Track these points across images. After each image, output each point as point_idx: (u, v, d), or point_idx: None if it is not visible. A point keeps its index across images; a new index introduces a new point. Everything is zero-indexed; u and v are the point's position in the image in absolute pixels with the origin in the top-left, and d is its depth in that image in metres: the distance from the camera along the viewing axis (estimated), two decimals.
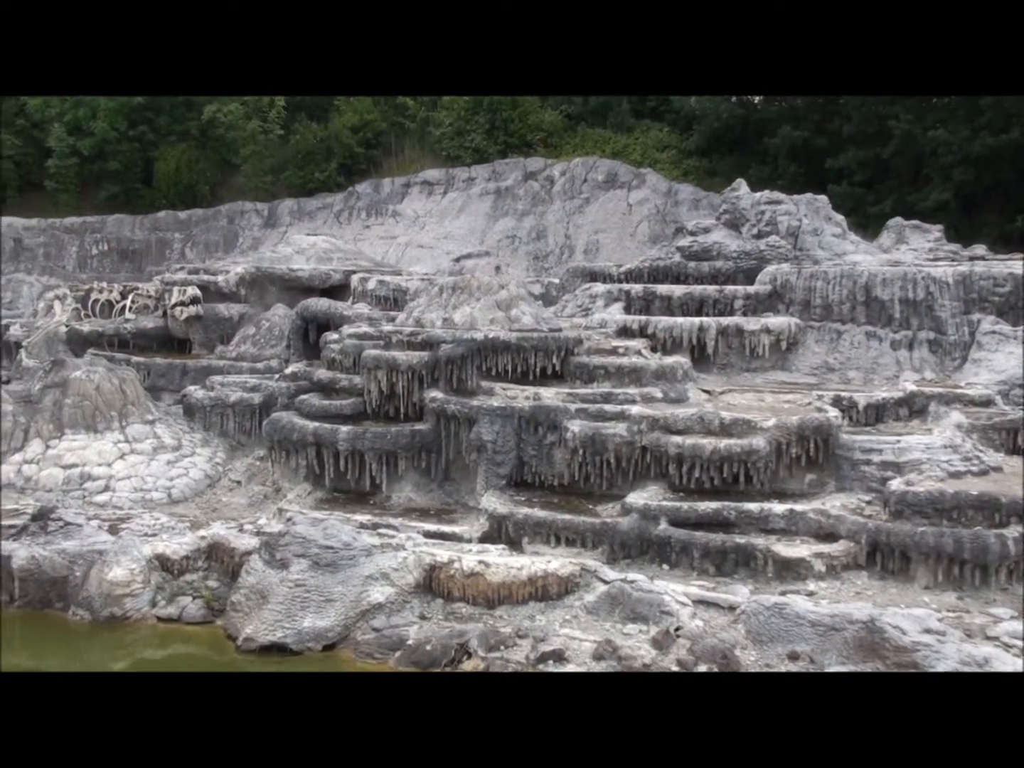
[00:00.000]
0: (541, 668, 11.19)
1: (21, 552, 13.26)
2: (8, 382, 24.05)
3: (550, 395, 15.71)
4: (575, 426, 14.83)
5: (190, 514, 15.90)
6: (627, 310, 19.64)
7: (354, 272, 24.82)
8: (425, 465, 16.11)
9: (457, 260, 29.79)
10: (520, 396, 15.82)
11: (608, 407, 15.20)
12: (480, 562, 12.75)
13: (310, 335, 22.29)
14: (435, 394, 16.03)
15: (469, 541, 14.07)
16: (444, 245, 30.40)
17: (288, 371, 19.99)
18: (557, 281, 23.27)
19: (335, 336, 19.41)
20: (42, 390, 17.94)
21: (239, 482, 17.35)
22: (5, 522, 14.42)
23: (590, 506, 14.64)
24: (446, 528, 14.41)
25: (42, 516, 13.85)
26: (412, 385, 16.58)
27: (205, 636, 12.66)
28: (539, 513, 14.04)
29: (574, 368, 16.56)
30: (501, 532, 14.24)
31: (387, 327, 17.54)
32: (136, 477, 16.73)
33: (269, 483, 17.21)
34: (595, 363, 16.48)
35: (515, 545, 13.91)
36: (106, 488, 16.44)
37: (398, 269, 26.60)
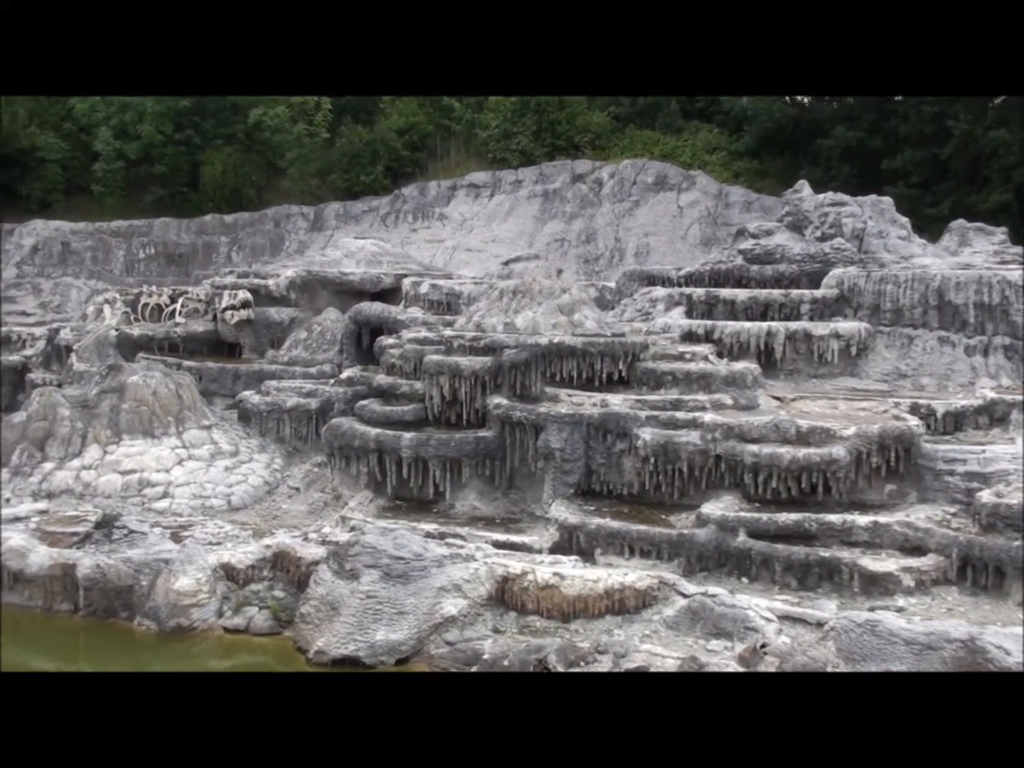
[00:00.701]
0: None
1: (86, 561, 13.02)
2: (60, 386, 23.98)
3: (618, 402, 15.32)
4: (646, 434, 14.44)
5: (250, 521, 15.63)
6: (689, 314, 19.20)
7: (405, 276, 24.55)
8: (489, 473, 15.77)
9: (506, 264, 29.42)
10: (587, 403, 15.44)
11: (679, 414, 14.81)
12: (555, 574, 12.40)
13: (363, 339, 22.00)
14: (500, 400, 15.68)
15: (539, 552, 13.71)
16: (492, 248, 30.07)
17: (343, 376, 19.72)
18: (612, 285, 22.88)
19: (393, 341, 19.12)
20: (99, 395, 17.75)
21: (298, 489, 17.07)
22: (67, 529, 14.23)
23: (662, 516, 14.25)
24: (515, 538, 14.06)
25: (106, 524, 13.63)
26: (475, 391, 16.25)
27: (274, 648, 12.38)
28: (613, 524, 13.65)
29: (641, 374, 16.17)
30: (572, 543, 13.87)
31: (448, 332, 17.22)
32: (195, 484, 16.49)
33: (328, 490, 16.93)
34: (662, 369, 16.08)
35: (587, 556, 13.53)
36: (165, 495, 16.21)
37: (448, 273, 26.30)
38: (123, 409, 17.49)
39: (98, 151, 32.87)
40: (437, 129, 34.30)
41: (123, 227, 32.14)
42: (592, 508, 14.54)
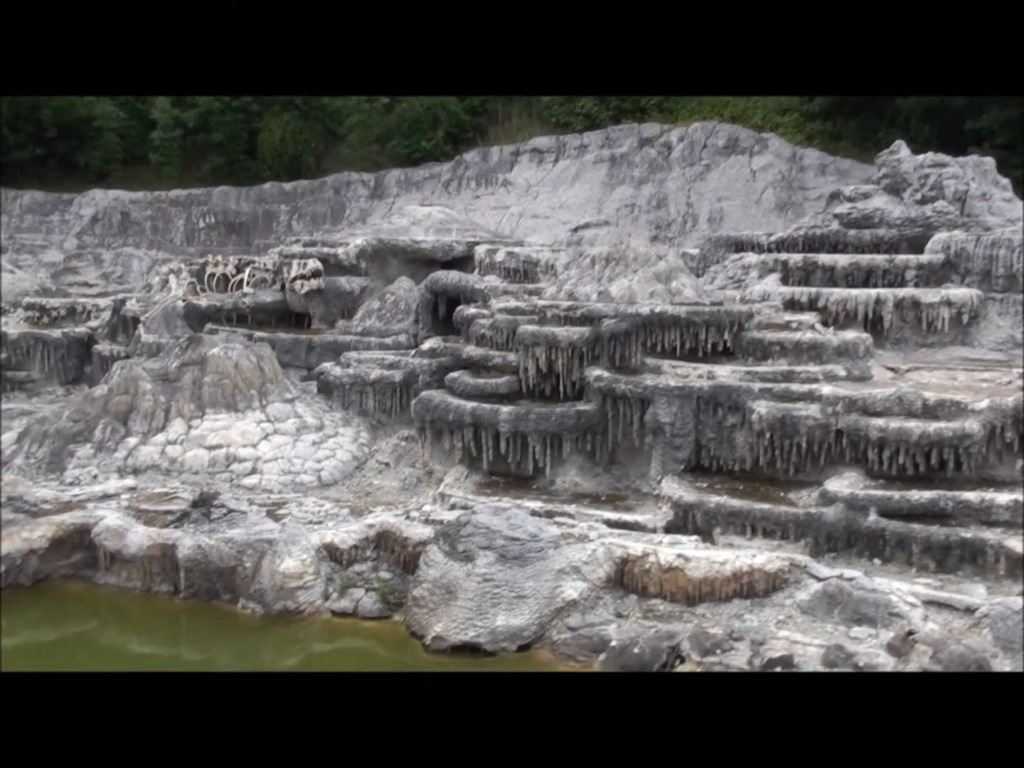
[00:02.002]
0: None
1: (186, 541, 12.53)
2: (127, 358, 23.59)
3: (725, 373, 14.61)
4: (762, 407, 13.73)
5: (343, 498, 15.09)
6: (784, 281, 18.39)
7: (477, 244, 23.87)
8: (590, 448, 15.13)
9: (575, 230, 28.76)
10: (693, 375, 14.74)
11: (794, 387, 14.07)
12: (679, 556, 11.77)
13: (439, 309, 21.41)
14: (601, 373, 15.01)
15: (654, 531, 13.07)
16: (560, 215, 29.33)
17: (424, 347, 19.12)
18: (693, 251, 22.08)
19: (475, 311, 18.49)
20: (180, 368, 17.26)
21: (387, 464, 16.52)
22: (160, 507, 13.76)
23: (779, 493, 13.55)
24: (627, 517, 13.43)
25: (204, 503, 13.12)
26: (572, 363, 15.59)
27: (385, 633, 11.84)
28: (734, 502, 12.98)
29: (746, 344, 15.42)
30: (688, 521, 13.23)
31: (541, 301, 16.53)
32: (283, 459, 15.97)
33: (419, 465, 16.35)
34: (770, 339, 15.33)
35: (705, 536, 12.89)
36: (253, 470, 15.71)
37: (519, 240, 25.59)
38: (205, 382, 16.98)
39: (155, 119, 32.38)
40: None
41: (182, 196, 31.67)
42: (704, 485, 13.87)
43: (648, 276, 16.53)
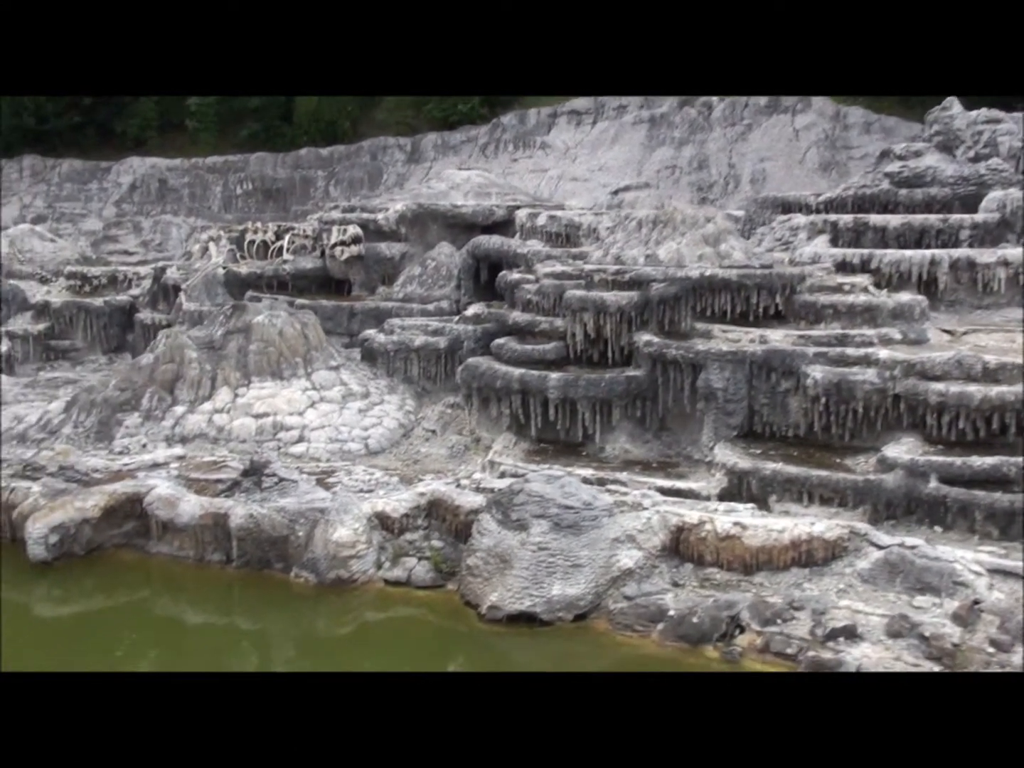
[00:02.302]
0: (830, 646, 10.03)
1: (238, 510, 12.50)
2: (169, 326, 23.60)
3: (778, 338, 14.35)
4: (817, 372, 13.47)
5: (391, 466, 15.01)
6: (834, 243, 18.02)
7: (517, 207, 23.58)
8: (640, 414, 14.94)
9: (615, 193, 28.36)
10: (744, 339, 14.49)
11: (849, 351, 13.80)
12: (735, 524, 11.61)
13: (481, 274, 21.22)
14: (651, 338, 14.79)
15: (707, 499, 12.90)
16: (599, 177, 28.94)
17: (468, 313, 18.97)
18: (738, 213, 21.69)
19: (519, 276, 18.29)
20: (225, 336, 17.20)
21: (434, 431, 16.41)
22: (210, 476, 13.75)
23: (835, 460, 13.32)
24: (680, 484, 13.25)
25: (255, 471, 13.06)
26: (620, 328, 15.38)
27: (439, 602, 11.78)
28: (790, 469, 12.77)
29: (799, 307, 15.13)
30: (742, 489, 13.04)
31: (588, 265, 16.29)
32: (330, 427, 15.90)
33: (466, 432, 16.23)
34: (822, 302, 15.03)
35: (760, 503, 12.69)
36: (300, 438, 15.65)
37: (559, 203, 25.27)
38: (250, 350, 16.91)
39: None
40: None
41: (219, 163, 31.54)
42: (758, 451, 13.66)
43: (696, 239, 16.23)
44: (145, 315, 24.44)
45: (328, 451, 15.41)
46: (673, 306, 15.18)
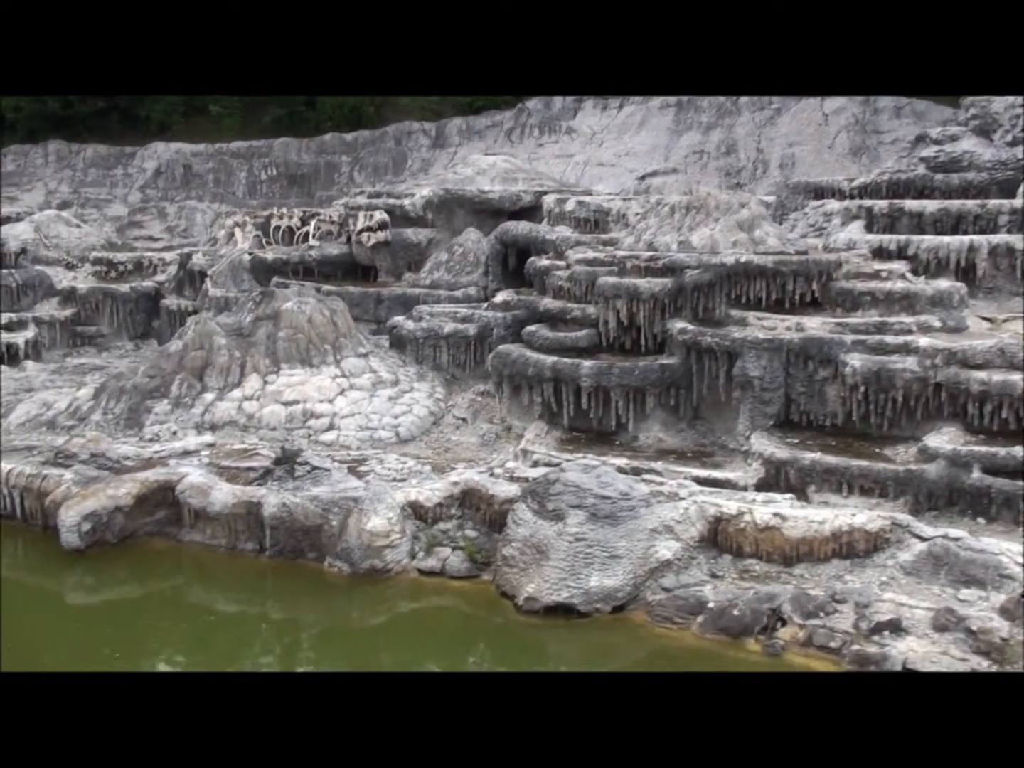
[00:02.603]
0: (875, 640, 9.86)
1: (271, 499, 12.41)
2: (195, 312, 23.54)
3: (815, 325, 14.14)
4: (856, 360, 13.26)
5: (422, 454, 14.90)
6: (868, 228, 17.77)
7: (544, 193, 23.40)
8: (673, 402, 14.77)
9: (642, 178, 28.14)
10: (780, 327, 14.28)
11: (888, 339, 13.58)
12: (775, 515, 11.43)
13: (509, 261, 21.06)
14: (685, 325, 14.61)
15: (744, 489, 12.73)
16: (626, 163, 28.71)
17: (497, 300, 18.82)
18: (769, 199, 21.43)
19: (548, 263, 18.12)
20: (254, 322, 17.10)
21: (464, 419, 16.27)
22: (242, 464, 13.66)
23: (874, 449, 13.13)
24: (716, 474, 13.09)
25: (287, 460, 12.96)
26: (653, 315, 15.20)
27: (474, 592, 11.67)
28: (829, 459, 12.58)
29: (835, 295, 14.90)
30: (780, 479, 12.86)
31: (621, 252, 16.09)
32: (360, 415, 15.80)
33: (497, 420, 16.10)
34: (860, 289, 14.79)
35: (798, 493, 12.51)
36: (331, 426, 15.55)
37: (587, 189, 25.06)
38: (279, 337, 16.81)
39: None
40: None
41: (243, 148, 31.46)
42: (795, 441, 13.48)
43: (730, 224, 16.01)
44: (171, 301, 24.41)
45: (358, 439, 15.30)
46: (707, 293, 14.98)
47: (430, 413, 16.26)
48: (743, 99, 29.08)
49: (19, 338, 22.48)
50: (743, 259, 14.85)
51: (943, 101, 27.97)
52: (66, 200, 30.19)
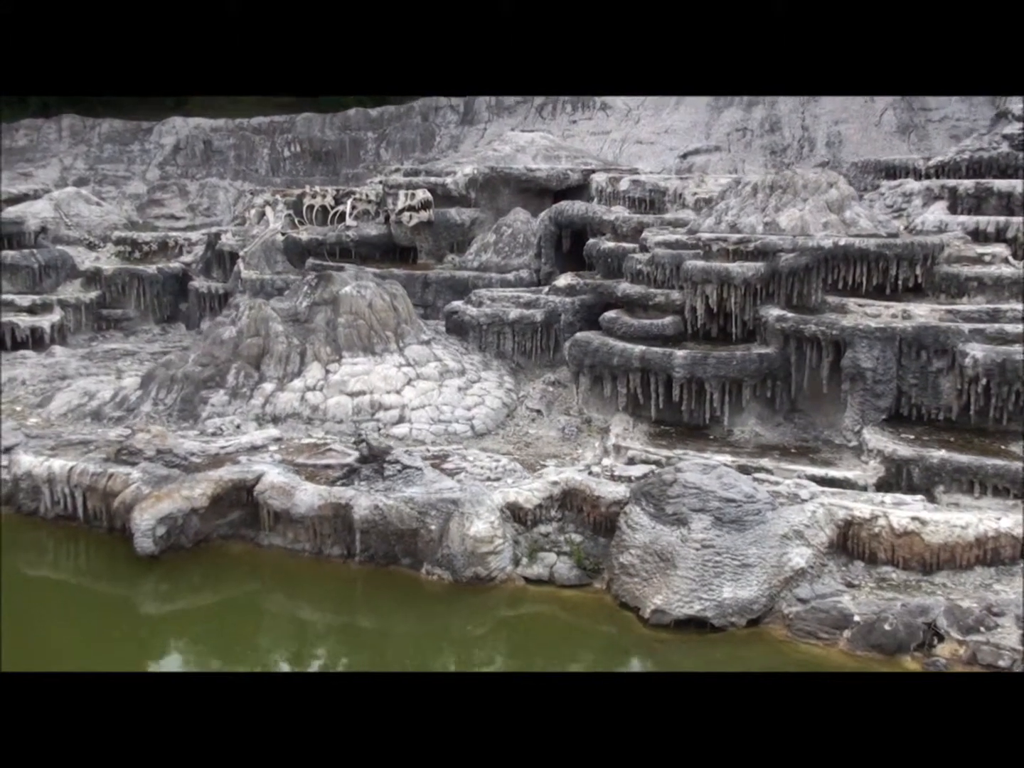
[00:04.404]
0: None
1: (362, 501, 11.49)
2: (228, 294, 22.55)
3: (923, 312, 13.32)
4: (976, 351, 12.44)
5: (501, 449, 14.01)
6: (952, 210, 16.94)
7: (592, 172, 22.49)
8: (769, 394, 13.94)
9: (684, 156, 27.21)
10: (885, 314, 13.46)
11: (1008, 327, 12.78)
12: (914, 519, 10.61)
13: (564, 242, 20.14)
14: (783, 313, 13.77)
15: (864, 488, 11.92)
16: (665, 140, 27.75)
17: (560, 283, 17.90)
18: None
19: (611, 244, 17.22)
20: (310, 308, 16.15)
21: (539, 411, 15.39)
22: (319, 462, 12.76)
23: (999, 446, 12.32)
24: (832, 472, 12.25)
25: (375, 458, 12.04)
26: (744, 301, 14.34)
27: (589, 603, 10.80)
28: (961, 457, 11.76)
29: (939, 280, 14.10)
30: (902, 478, 12.05)
31: (706, 234, 15.20)
32: (431, 406, 14.89)
33: (574, 412, 15.24)
34: (967, 274, 13.98)
35: (925, 494, 11.70)
36: (401, 419, 14.65)
37: (634, 167, 24.14)
38: (339, 323, 15.87)
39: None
40: None
41: (264, 124, 30.34)
42: (911, 436, 12.67)
43: (820, 205, 15.16)
44: (200, 283, 23.43)
45: (432, 432, 14.41)
46: (803, 278, 14.15)
47: (503, 405, 15.36)
48: None
49: (44, 322, 21.48)
50: (843, 242, 14.00)
51: None
52: (82, 177, 29.02)
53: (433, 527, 11.29)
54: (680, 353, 13.80)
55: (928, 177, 18.40)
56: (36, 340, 21.09)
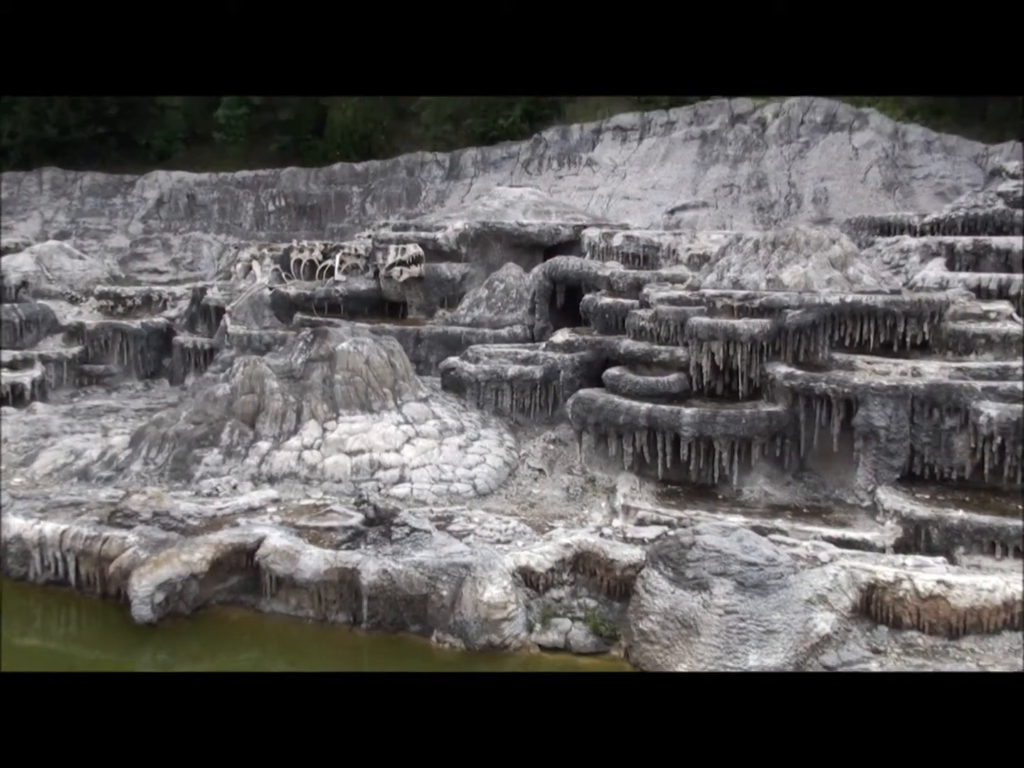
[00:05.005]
0: None
1: (370, 565, 11.10)
2: (212, 350, 22.20)
3: (933, 370, 13.19)
4: (991, 409, 12.30)
5: (506, 510, 13.67)
6: (950, 266, 16.95)
7: (584, 227, 22.40)
8: (779, 453, 13.72)
9: (671, 212, 27.28)
10: (894, 371, 13.32)
11: (1020, 385, 12.64)
12: (939, 582, 10.36)
13: (557, 298, 19.97)
14: (791, 370, 13.60)
15: (882, 550, 11.67)
16: (653, 196, 27.81)
17: (558, 339, 17.69)
18: None
19: (607, 301, 17.05)
20: (306, 364, 15.82)
21: (541, 470, 15.08)
22: (321, 524, 12.36)
23: (1017, 506, 12.13)
24: (849, 533, 11.99)
25: (382, 520, 11.66)
26: (750, 358, 14.17)
27: (608, 671, 10.40)
28: (982, 518, 11.55)
29: (946, 337, 14.00)
30: (920, 539, 11.81)
31: (710, 291, 15.05)
32: (431, 465, 14.54)
33: (577, 471, 14.93)
34: (974, 331, 13.90)
35: (944, 555, 11.46)
36: (401, 478, 14.28)
37: (625, 224, 24.08)
38: (336, 380, 15.54)
39: (220, 97, 30.78)
40: None
41: (249, 177, 30.18)
42: (926, 496, 12.46)
43: (823, 261, 15.06)
44: (184, 338, 23.05)
45: (433, 492, 14.05)
46: (809, 335, 14.03)
47: (505, 463, 15.04)
48: (770, 131, 28.40)
49: (25, 377, 21.00)
50: (849, 299, 13.89)
51: (972, 135, 27.48)
52: (64, 230, 28.66)
53: (444, 592, 10.91)
54: (688, 411, 13.57)
55: (923, 234, 18.43)
56: (16, 396, 20.57)
